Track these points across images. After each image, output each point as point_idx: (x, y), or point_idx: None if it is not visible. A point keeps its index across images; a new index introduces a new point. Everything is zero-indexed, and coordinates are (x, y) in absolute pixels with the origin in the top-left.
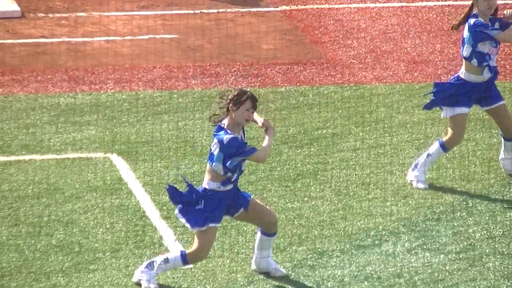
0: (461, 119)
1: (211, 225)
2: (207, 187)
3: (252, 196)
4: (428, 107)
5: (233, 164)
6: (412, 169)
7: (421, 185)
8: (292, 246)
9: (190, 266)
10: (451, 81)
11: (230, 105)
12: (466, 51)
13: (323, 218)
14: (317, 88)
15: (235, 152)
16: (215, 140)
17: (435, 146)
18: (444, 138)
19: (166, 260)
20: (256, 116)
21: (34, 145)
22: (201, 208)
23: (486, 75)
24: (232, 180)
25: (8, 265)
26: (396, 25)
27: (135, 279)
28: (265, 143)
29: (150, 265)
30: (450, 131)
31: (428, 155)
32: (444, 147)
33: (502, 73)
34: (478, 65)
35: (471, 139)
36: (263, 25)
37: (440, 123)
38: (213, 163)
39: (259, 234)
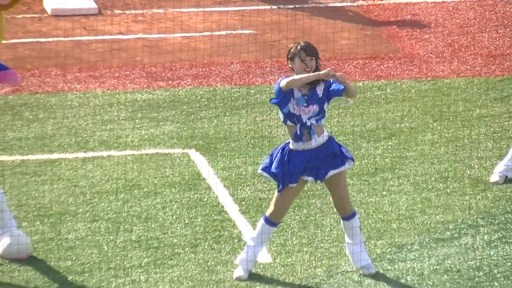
0: None
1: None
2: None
3: (340, 170)
4: None
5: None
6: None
7: (495, 177)
8: (371, 240)
9: (275, 227)
10: None
11: (288, 62)
12: None
13: (401, 212)
14: (395, 83)
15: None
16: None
17: None
18: None
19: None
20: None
21: (112, 141)
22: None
23: None
24: (299, 133)
25: (87, 261)
26: (473, 19)
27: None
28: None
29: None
30: None
31: None
32: None
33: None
34: None
35: None
36: (339, 20)
37: None
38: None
39: None
